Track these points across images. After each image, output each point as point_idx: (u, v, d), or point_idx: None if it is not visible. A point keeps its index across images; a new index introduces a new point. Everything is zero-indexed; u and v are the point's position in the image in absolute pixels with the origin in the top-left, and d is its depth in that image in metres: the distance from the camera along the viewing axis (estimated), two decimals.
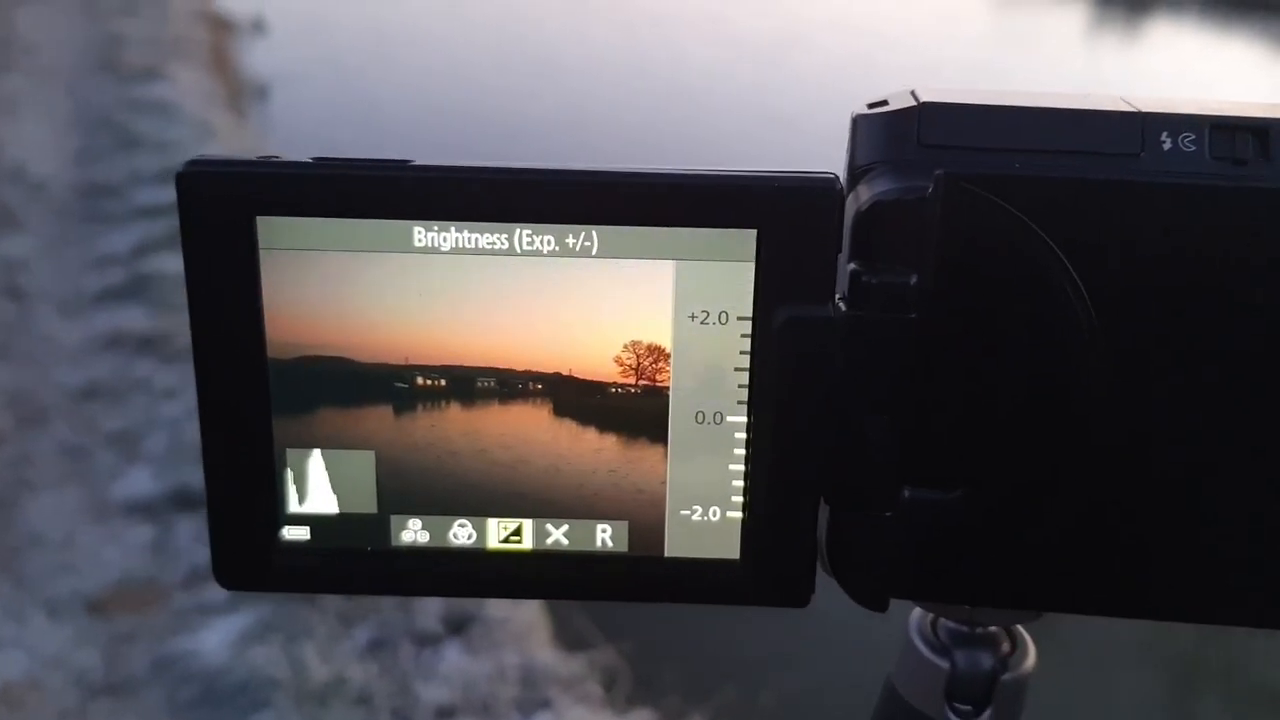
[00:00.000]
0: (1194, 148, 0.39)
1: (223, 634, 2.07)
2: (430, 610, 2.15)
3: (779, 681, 2.27)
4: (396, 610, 2.14)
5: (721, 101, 6.62)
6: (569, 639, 2.21)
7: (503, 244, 0.40)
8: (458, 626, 2.14)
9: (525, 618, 2.21)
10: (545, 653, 2.14)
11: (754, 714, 2.18)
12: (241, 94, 5.78)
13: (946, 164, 0.39)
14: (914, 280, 0.40)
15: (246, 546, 0.43)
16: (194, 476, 2.45)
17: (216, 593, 2.15)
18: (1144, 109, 0.40)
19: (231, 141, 4.62)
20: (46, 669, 1.97)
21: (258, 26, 7.26)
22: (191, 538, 2.30)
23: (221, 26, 6.85)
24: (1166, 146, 0.39)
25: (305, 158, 0.40)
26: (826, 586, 0.44)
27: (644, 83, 7.07)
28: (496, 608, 2.19)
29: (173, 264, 3.28)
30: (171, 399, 2.78)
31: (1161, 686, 2.50)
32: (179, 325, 3.04)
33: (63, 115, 4.88)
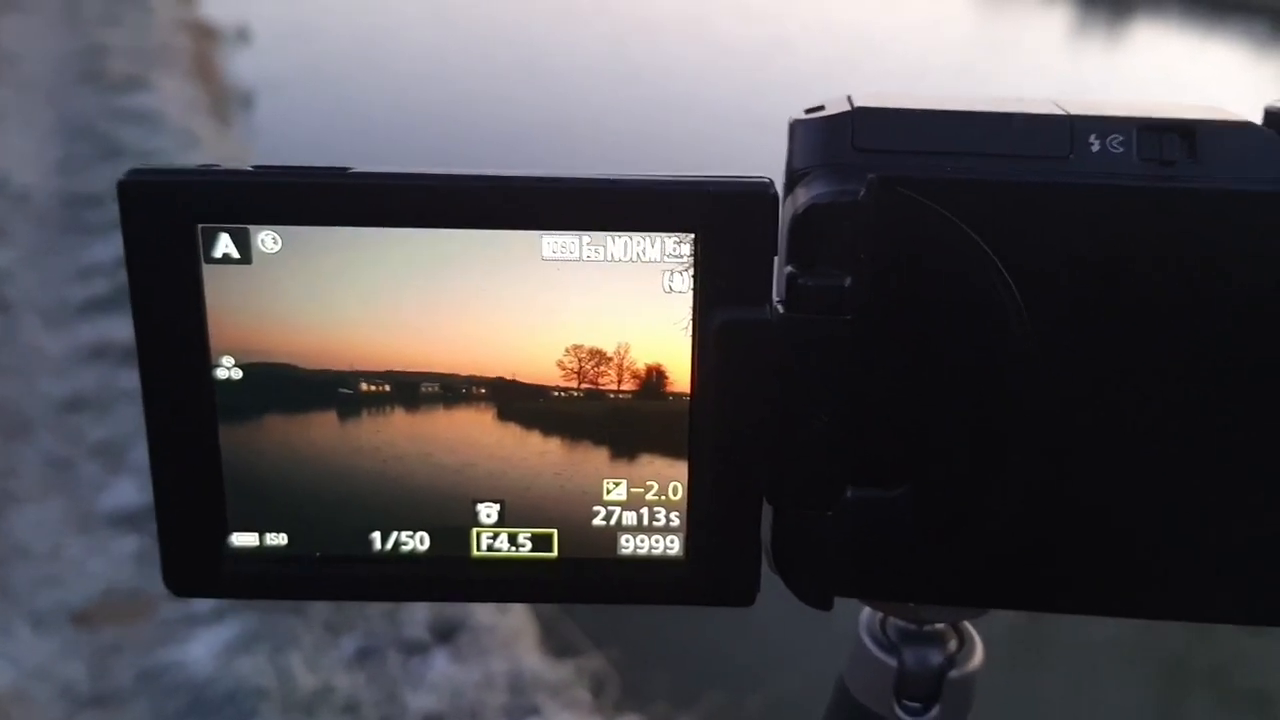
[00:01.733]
0: (1122, 149, 0.40)
1: (209, 644, 2.06)
2: (417, 618, 2.15)
3: (766, 686, 2.28)
4: (383, 619, 2.14)
5: (706, 105, 6.63)
6: (556, 646, 2.21)
7: (445, 250, 0.41)
8: (445, 634, 2.14)
9: (513, 625, 2.21)
10: (533, 659, 2.14)
11: (741, 719, 2.18)
12: (226, 102, 5.78)
13: (879, 167, 0.40)
14: (849, 282, 0.40)
15: (195, 553, 0.43)
16: None
17: (203, 603, 2.15)
18: (1073, 112, 0.41)
19: (216, 150, 4.62)
20: (32, 681, 1.96)
21: (242, 35, 7.26)
22: None
23: (205, 35, 6.85)
24: (1095, 148, 0.40)
25: (248, 166, 0.40)
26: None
27: (630, 87, 7.08)
28: (484, 615, 2.19)
29: None
30: None
31: (1148, 689, 2.51)
32: None
33: (46, 125, 4.87)
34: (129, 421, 2.76)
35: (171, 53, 6.04)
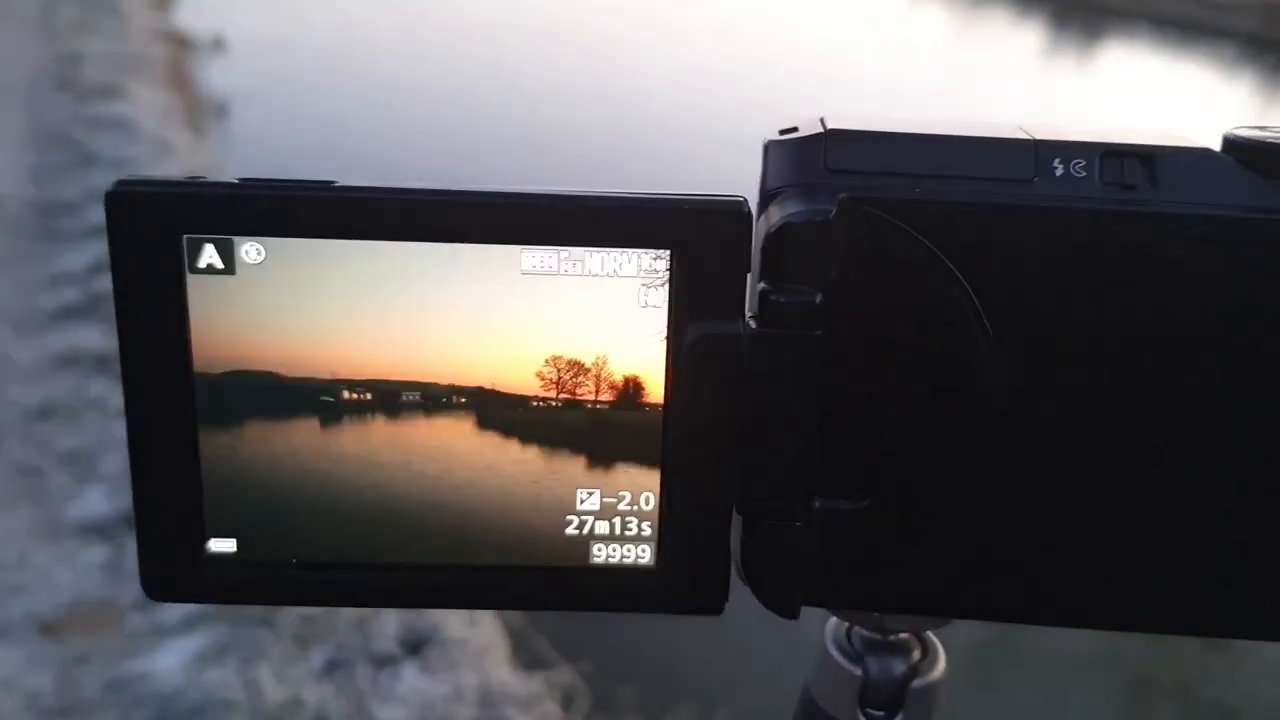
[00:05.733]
0: (1085, 174, 0.41)
1: (177, 656, 2.05)
2: (387, 631, 2.15)
3: (735, 700, 2.28)
4: (353, 631, 2.14)
5: (679, 122, 6.66)
6: (527, 659, 2.21)
7: (427, 262, 0.41)
8: (415, 647, 2.13)
9: (483, 638, 2.21)
10: (503, 673, 2.14)
11: None
12: (200, 112, 5.76)
13: (850, 188, 0.41)
14: (819, 299, 0.41)
15: (173, 558, 0.43)
16: None
17: (171, 614, 2.14)
18: (1039, 137, 0.42)
19: (190, 159, 4.60)
20: None
21: (217, 45, 7.24)
22: None
23: (180, 44, 6.83)
24: (1059, 172, 0.41)
25: (233, 178, 0.41)
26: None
27: (602, 104, 7.10)
28: (454, 628, 2.18)
29: None
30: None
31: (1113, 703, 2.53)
32: None
33: (19, 132, 4.84)
34: (99, 431, 2.74)
35: (147, 62, 6.02)
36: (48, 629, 2.12)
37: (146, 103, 5.25)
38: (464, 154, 5.60)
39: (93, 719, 1.93)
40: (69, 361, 3.05)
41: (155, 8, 7.60)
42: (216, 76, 6.64)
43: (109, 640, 2.10)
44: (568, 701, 2.13)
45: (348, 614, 2.15)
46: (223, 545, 0.44)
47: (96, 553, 2.32)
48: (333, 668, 2.05)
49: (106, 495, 2.49)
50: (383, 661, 2.09)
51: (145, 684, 1.99)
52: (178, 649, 2.07)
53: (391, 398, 0.43)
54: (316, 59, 7.56)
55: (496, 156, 5.56)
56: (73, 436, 2.72)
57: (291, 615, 2.13)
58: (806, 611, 0.46)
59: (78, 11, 6.73)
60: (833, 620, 0.51)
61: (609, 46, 9.06)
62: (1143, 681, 2.58)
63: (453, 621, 2.19)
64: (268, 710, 1.93)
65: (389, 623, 2.16)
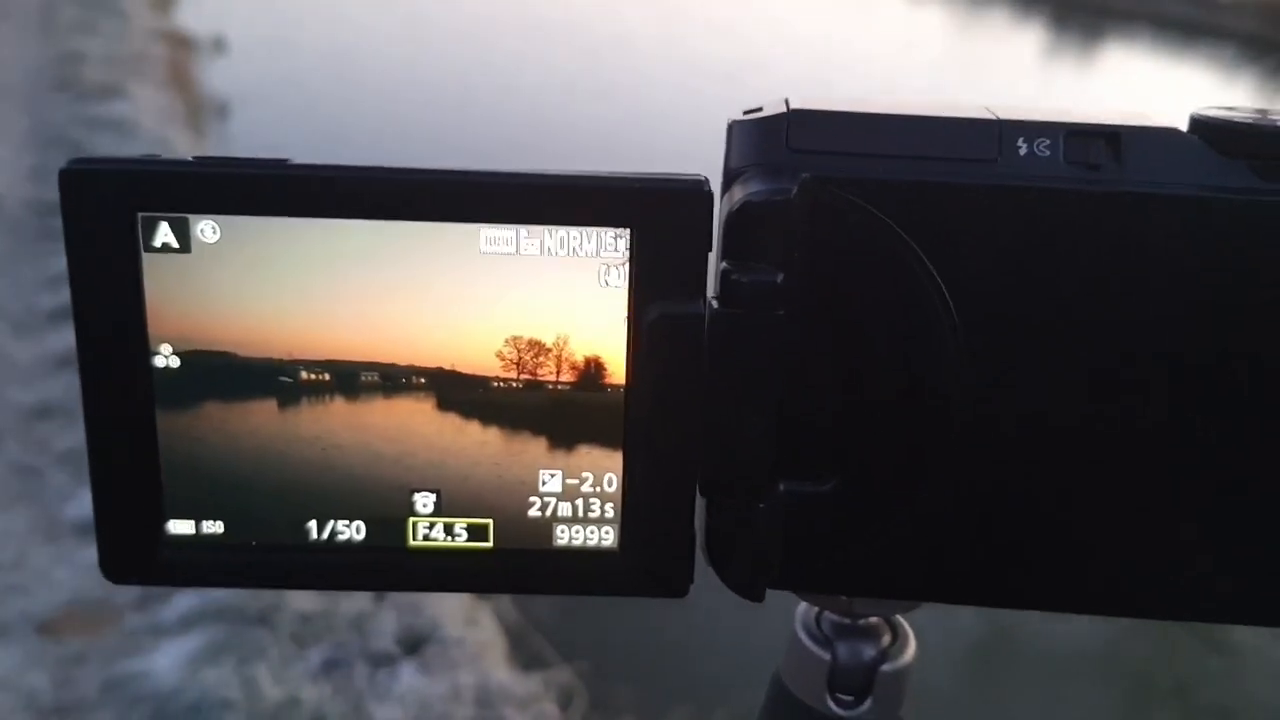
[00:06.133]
0: (1049, 153, 0.41)
1: (175, 655, 2.05)
2: (385, 630, 2.14)
3: (733, 701, 2.28)
4: (350, 630, 2.14)
5: (678, 122, 6.66)
6: (525, 659, 2.21)
7: (384, 241, 0.41)
8: (413, 647, 2.13)
9: (481, 638, 2.21)
10: (501, 673, 2.13)
11: None
12: (201, 112, 5.76)
13: (812, 167, 0.41)
14: (781, 278, 0.41)
15: (132, 540, 0.43)
16: None
17: (169, 614, 2.14)
18: (1003, 116, 0.42)
19: None
20: None
21: (218, 45, 7.25)
22: None
23: (181, 45, 6.83)
24: (1022, 152, 0.41)
25: (188, 156, 0.41)
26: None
27: (603, 102, 7.11)
28: (452, 627, 2.18)
29: None
30: None
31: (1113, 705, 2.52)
32: None
33: (18, 132, 4.85)
34: None
35: (147, 62, 6.02)
36: (45, 628, 2.12)
37: (147, 103, 5.26)
38: (465, 153, 5.61)
39: (90, 718, 1.92)
40: (67, 361, 3.05)
41: (155, 8, 7.61)
42: (216, 76, 6.65)
43: (106, 639, 2.10)
44: (566, 701, 2.12)
45: (345, 613, 2.15)
46: (181, 527, 0.43)
47: (94, 552, 2.32)
48: (330, 667, 2.05)
49: None
50: (380, 661, 2.08)
51: (143, 683, 1.99)
52: (175, 648, 2.06)
53: (350, 378, 0.42)
54: (317, 59, 7.56)
55: (497, 156, 5.56)
56: (71, 436, 2.72)
57: (289, 614, 2.13)
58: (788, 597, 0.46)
59: (78, 11, 6.74)
60: (803, 604, 0.51)
61: (606, 44, 9.07)
62: (1142, 682, 2.57)
63: (451, 621, 2.19)
64: (265, 710, 1.92)
65: (387, 622, 2.16)
